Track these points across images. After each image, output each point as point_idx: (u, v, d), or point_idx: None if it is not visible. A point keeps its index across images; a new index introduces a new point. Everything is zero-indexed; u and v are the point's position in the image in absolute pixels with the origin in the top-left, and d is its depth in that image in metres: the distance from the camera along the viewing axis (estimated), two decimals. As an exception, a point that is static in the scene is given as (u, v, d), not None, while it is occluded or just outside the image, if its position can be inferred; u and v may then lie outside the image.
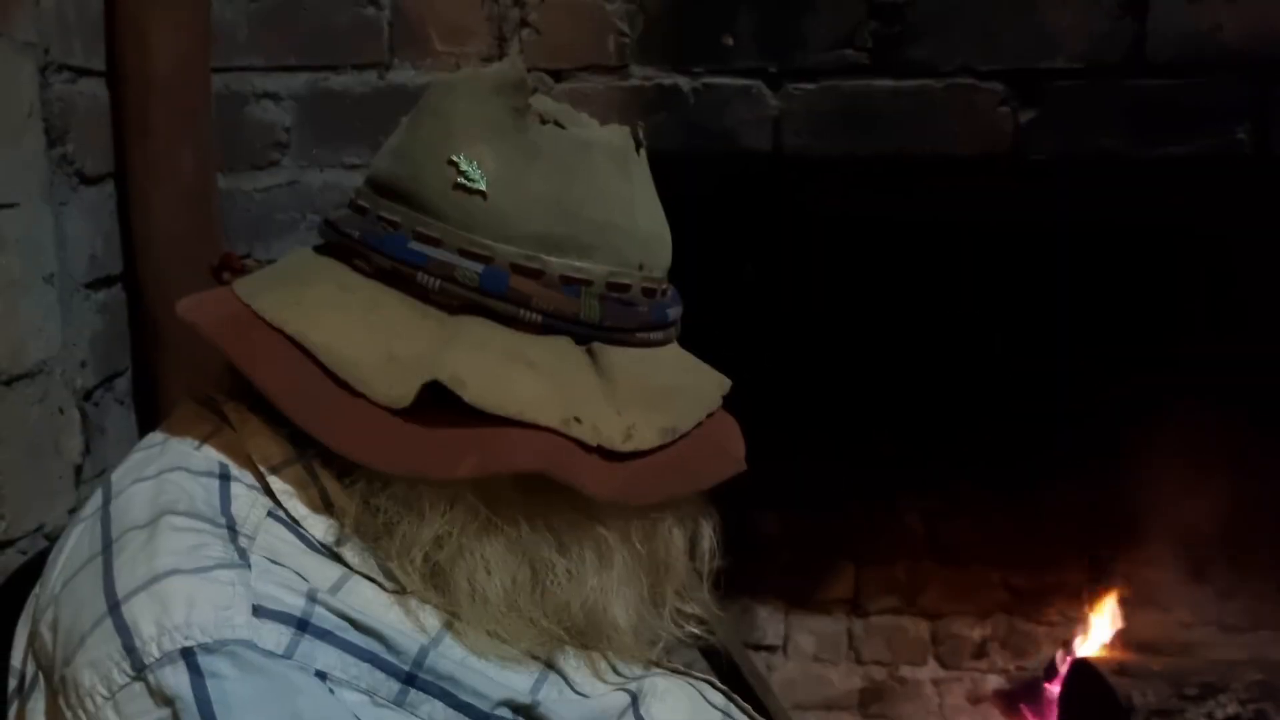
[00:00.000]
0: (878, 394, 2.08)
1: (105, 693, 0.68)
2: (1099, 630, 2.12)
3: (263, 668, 0.68)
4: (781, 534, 2.20)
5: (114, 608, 0.69)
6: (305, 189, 1.58)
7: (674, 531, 0.85)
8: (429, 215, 0.77)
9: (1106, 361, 2.01)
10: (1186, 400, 1.96)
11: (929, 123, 1.56)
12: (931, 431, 2.08)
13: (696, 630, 0.89)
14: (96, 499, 0.79)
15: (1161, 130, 1.53)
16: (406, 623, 0.75)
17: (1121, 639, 2.10)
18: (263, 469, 0.76)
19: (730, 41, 1.57)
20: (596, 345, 0.80)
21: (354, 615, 0.72)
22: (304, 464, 0.77)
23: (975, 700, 2.23)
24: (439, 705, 0.74)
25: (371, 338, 0.76)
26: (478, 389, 0.74)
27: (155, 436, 0.83)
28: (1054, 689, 2.09)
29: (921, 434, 2.09)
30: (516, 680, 0.78)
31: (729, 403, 1.01)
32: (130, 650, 0.67)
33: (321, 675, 0.70)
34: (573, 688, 0.81)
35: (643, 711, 0.85)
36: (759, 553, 2.17)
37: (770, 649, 2.26)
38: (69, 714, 0.69)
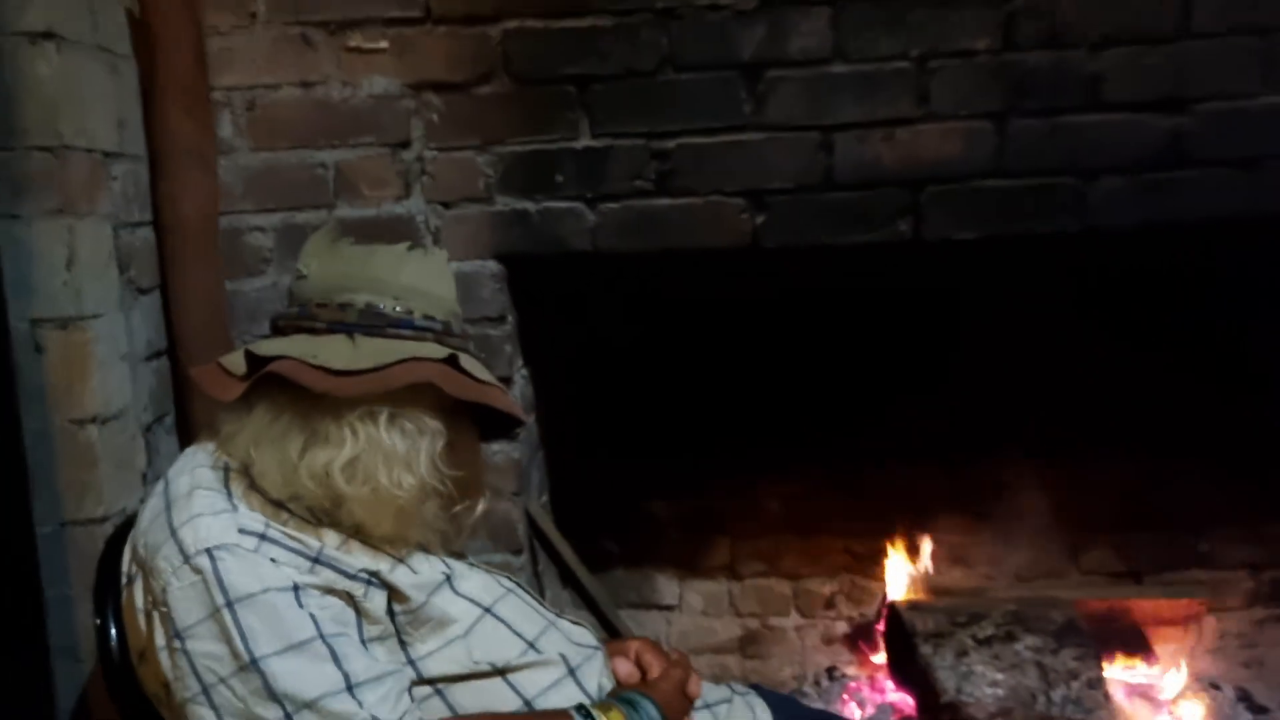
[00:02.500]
0: (740, 410, 2.35)
1: (170, 570, 1.13)
2: (914, 582, 2.38)
3: (244, 556, 1.13)
4: (672, 517, 2.51)
5: (172, 533, 1.14)
6: (283, 288, 1.52)
7: (392, 429, 1.17)
8: (290, 298, 1.25)
9: (896, 378, 2.28)
10: (991, 400, 2.25)
11: (694, 227, 1.86)
12: (785, 436, 2.35)
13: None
14: (160, 484, 1.23)
15: (849, 226, 1.84)
16: (318, 535, 1.17)
17: (930, 588, 2.34)
18: (245, 462, 1.20)
19: (560, 179, 1.87)
20: (359, 337, 1.19)
21: (289, 532, 1.17)
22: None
23: (829, 641, 2.51)
24: (329, 571, 1.16)
25: (243, 352, 1.20)
26: (264, 350, 1.17)
27: (189, 449, 1.27)
28: (880, 628, 2.35)
29: (777, 438, 2.36)
30: (378, 562, 1.18)
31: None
32: (181, 550, 1.13)
33: (273, 560, 1.14)
34: (410, 568, 1.21)
35: (454, 584, 1.25)
36: (655, 532, 2.52)
37: (669, 608, 2.56)
38: (154, 582, 1.13)
